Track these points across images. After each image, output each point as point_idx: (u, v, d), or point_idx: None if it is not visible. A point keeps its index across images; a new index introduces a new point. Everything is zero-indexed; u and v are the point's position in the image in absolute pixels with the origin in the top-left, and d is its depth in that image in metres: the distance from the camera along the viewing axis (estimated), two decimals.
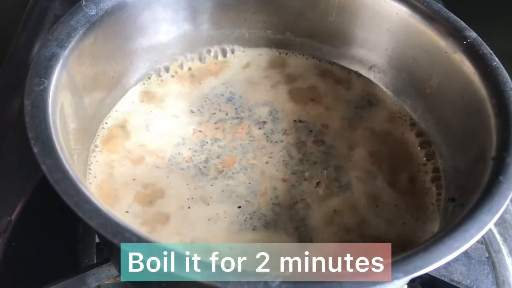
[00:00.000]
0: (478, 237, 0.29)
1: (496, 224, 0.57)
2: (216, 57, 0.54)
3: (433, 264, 0.28)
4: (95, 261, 0.49)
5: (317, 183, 0.44)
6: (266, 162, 0.46)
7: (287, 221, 0.42)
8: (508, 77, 0.39)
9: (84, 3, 0.42)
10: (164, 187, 0.43)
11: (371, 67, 0.53)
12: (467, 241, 0.29)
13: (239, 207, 0.42)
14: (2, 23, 0.86)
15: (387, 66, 0.52)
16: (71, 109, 0.40)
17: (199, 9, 0.51)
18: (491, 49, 0.41)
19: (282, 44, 0.56)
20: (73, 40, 0.39)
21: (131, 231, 0.27)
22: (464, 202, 0.36)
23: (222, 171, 0.44)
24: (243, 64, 0.54)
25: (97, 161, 0.44)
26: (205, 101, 0.50)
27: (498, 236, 0.56)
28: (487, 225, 0.30)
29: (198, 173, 0.44)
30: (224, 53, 0.55)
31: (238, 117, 0.49)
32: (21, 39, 0.76)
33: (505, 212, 0.59)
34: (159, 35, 0.50)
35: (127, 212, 0.41)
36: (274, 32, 0.55)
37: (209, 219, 0.41)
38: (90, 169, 0.43)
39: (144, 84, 0.51)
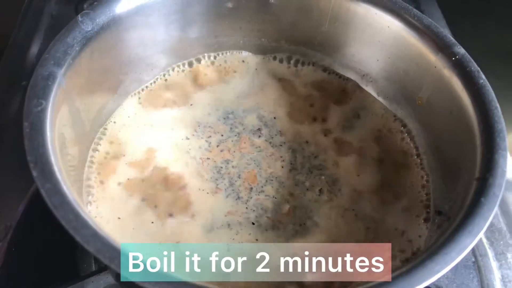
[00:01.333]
0: (458, 259, 0.31)
1: None
2: (208, 65, 0.55)
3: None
4: (94, 267, 0.51)
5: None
6: (282, 167, 0.48)
7: None
8: (493, 95, 0.40)
9: (80, 19, 0.42)
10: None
11: (364, 75, 0.54)
12: (448, 264, 0.30)
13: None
14: None
15: (379, 76, 0.53)
16: (69, 124, 0.41)
17: (193, 19, 0.52)
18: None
19: (276, 52, 0.57)
20: (69, 58, 0.40)
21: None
22: (451, 216, 0.38)
23: (252, 188, 0.46)
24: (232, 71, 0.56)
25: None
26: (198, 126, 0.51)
27: (485, 240, 0.58)
28: (467, 247, 0.31)
29: (232, 198, 0.46)
30: (217, 60, 0.56)
31: (235, 134, 0.50)
32: (18, 38, 0.76)
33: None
34: (154, 46, 0.51)
35: None
36: (269, 40, 0.56)
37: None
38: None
39: (139, 98, 0.52)
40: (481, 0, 0.91)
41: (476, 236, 0.32)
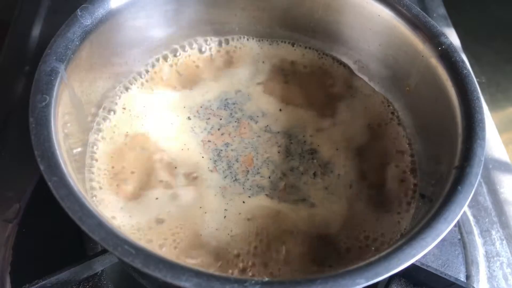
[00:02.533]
0: (433, 244, 0.33)
1: (469, 206, 0.62)
2: (205, 50, 0.57)
3: (393, 270, 0.32)
4: (100, 247, 0.54)
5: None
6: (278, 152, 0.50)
7: None
8: (476, 85, 0.42)
9: (79, 13, 0.44)
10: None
11: (356, 61, 0.56)
12: (423, 248, 0.33)
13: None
14: None
15: (370, 62, 0.54)
16: (71, 115, 0.44)
17: (188, 6, 0.53)
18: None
19: (270, 37, 0.59)
20: (70, 52, 0.42)
21: (130, 244, 0.31)
22: (433, 199, 0.40)
23: (248, 171, 0.49)
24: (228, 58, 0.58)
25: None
26: (201, 107, 0.53)
27: (471, 218, 0.61)
28: (442, 233, 0.34)
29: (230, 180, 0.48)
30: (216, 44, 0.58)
31: (235, 120, 0.53)
32: (19, 22, 0.77)
33: (478, 194, 0.63)
34: (150, 34, 0.53)
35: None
36: (264, 26, 0.57)
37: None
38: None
39: (141, 84, 0.54)
40: None
41: (451, 223, 0.34)
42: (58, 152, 0.36)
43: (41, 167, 0.34)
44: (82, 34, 0.44)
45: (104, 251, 0.48)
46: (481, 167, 0.37)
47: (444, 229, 0.34)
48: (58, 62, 0.41)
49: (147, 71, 0.54)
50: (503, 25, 0.97)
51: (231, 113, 0.53)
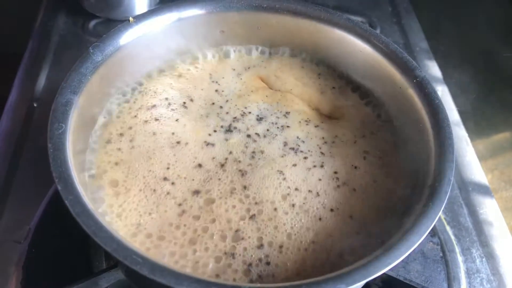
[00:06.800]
0: (407, 254, 0.37)
1: (451, 226, 0.66)
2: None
3: (369, 277, 0.36)
4: (104, 263, 0.58)
5: None
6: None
7: None
8: (446, 114, 0.47)
9: (91, 51, 0.49)
10: None
11: (347, 83, 0.60)
12: (397, 258, 0.37)
13: None
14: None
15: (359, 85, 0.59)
16: (82, 137, 0.48)
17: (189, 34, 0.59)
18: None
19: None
20: (83, 86, 0.47)
21: (138, 254, 0.36)
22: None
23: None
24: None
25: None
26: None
27: (453, 237, 0.65)
28: (414, 244, 0.38)
29: None
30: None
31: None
32: (30, 57, 0.83)
33: (459, 215, 0.68)
34: (153, 62, 0.58)
35: None
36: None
37: None
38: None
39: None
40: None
41: (422, 235, 0.38)
42: (73, 173, 0.40)
43: (59, 187, 0.39)
44: (94, 69, 0.49)
45: (109, 268, 0.51)
46: (450, 186, 0.42)
47: (416, 240, 0.38)
48: (73, 94, 0.46)
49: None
50: (486, 55, 1.02)
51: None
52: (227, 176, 0.49)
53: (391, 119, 0.55)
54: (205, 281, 0.35)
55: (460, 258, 0.63)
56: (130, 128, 0.52)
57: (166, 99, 0.56)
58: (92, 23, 0.88)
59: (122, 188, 0.48)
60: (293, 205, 0.47)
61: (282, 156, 0.51)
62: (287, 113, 0.56)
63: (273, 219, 0.46)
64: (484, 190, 0.71)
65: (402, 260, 0.53)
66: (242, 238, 0.45)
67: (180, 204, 0.47)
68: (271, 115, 0.56)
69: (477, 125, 0.93)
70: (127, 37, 0.52)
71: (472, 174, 0.74)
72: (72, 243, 0.60)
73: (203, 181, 0.49)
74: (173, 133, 0.52)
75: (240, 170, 0.50)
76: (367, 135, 0.55)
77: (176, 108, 0.55)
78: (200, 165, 0.50)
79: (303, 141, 0.53)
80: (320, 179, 0.50)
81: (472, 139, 0.81)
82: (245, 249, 0.44)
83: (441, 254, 0.62)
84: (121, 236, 0.37)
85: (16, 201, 0.64)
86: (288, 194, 0.48)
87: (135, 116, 0.53)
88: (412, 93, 0.51)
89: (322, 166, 0.51)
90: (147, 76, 0.57)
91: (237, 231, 0.45)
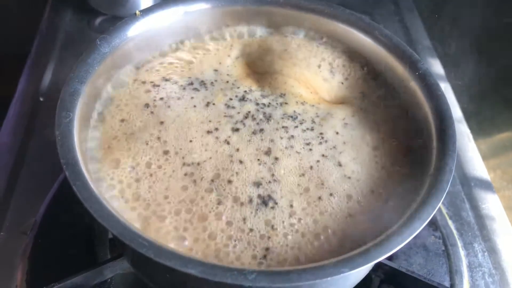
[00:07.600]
0: (409, 239, 0.38)
1: (454, 221, 0.66)
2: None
3: (372, 262, 0.36)
4: (109, 254, 0.58)
5: None
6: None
7: None
8: (449, 105, 0.48)
9: (98, 42, 0.50)
10: None
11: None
12: (400, 243, 0.38)
13: None
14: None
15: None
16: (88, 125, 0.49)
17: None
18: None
19: None
20: (90, 76, 0.48)
21: (143, 238, 0.36)
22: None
23: None
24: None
25: None
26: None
27: (455, 231, 0.65)
28: (416, 230, 0.38)
29: None
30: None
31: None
32: (37, 54, 0.84)
33: (462, 210, 0.68)
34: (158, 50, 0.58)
35: None
36: None
37: None
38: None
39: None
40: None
41: (424, 221, 0.39)
42: (80, 160, 0.41)
43: (67, 173, 0.39)
44: (101, 60, 0.50)
45: (113, 258, 0.52)
46: (452, 175, 0.42)
47: (418, 226, 0.39)
48: (80, 84, 0.47)
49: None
50: (489, 54, 1.03)
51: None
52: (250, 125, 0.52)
53: None
54: (210, 264, 0.35)
55: (462, 252, 0.63)
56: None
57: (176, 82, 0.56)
58: (98, 20, 0.89)
59: (132, 173, 0.48)
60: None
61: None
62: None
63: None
64: (486, 186, 0.72)
65: (405, 253, 0.54)
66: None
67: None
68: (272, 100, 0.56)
69: (479, 124, 0.94)
70: (134, 30, 0.53)
71: (474, 169, 0.74)
72: (77, 234, 0.60)
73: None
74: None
75: (257, 123, 0.52)
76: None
77: (185, 94, 0.55)
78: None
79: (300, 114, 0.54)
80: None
81: (474, 138, 0.81)
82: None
83: (443, 248, 0.62)
84: (127, 220, 0.38)
85: (22, 194, 0.65)
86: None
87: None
88: (414, 85, 0.51)
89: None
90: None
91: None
